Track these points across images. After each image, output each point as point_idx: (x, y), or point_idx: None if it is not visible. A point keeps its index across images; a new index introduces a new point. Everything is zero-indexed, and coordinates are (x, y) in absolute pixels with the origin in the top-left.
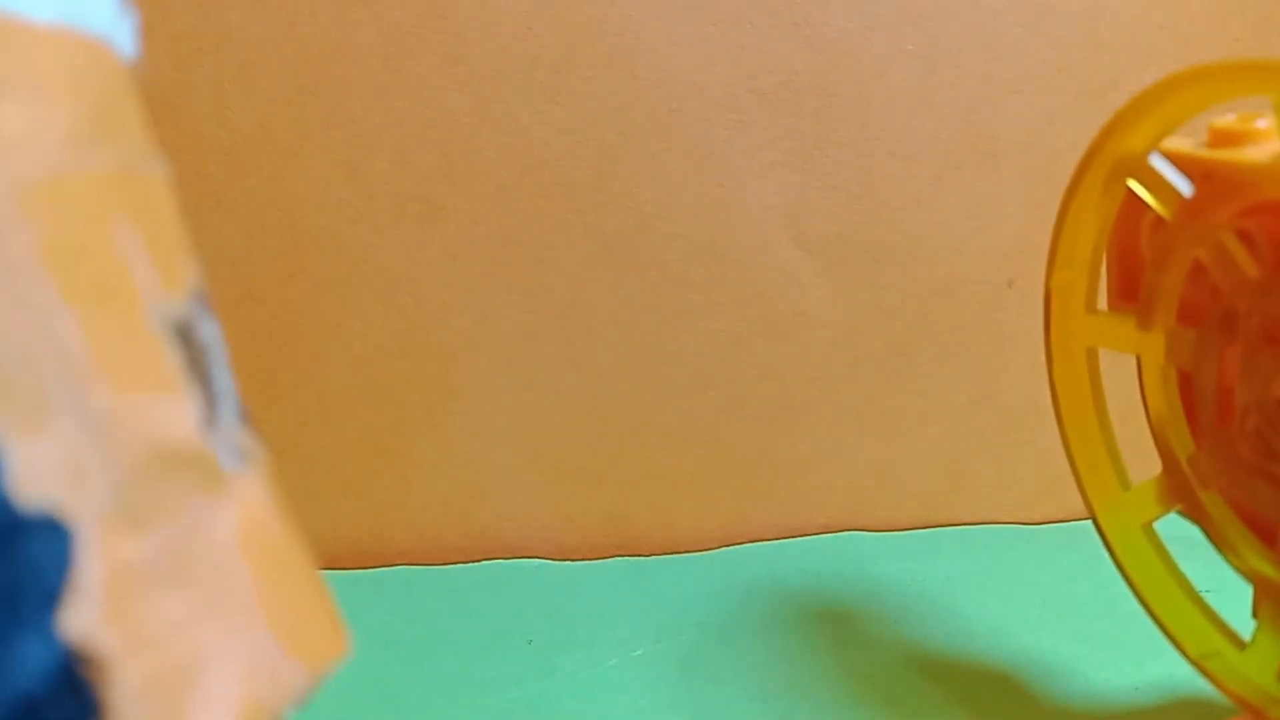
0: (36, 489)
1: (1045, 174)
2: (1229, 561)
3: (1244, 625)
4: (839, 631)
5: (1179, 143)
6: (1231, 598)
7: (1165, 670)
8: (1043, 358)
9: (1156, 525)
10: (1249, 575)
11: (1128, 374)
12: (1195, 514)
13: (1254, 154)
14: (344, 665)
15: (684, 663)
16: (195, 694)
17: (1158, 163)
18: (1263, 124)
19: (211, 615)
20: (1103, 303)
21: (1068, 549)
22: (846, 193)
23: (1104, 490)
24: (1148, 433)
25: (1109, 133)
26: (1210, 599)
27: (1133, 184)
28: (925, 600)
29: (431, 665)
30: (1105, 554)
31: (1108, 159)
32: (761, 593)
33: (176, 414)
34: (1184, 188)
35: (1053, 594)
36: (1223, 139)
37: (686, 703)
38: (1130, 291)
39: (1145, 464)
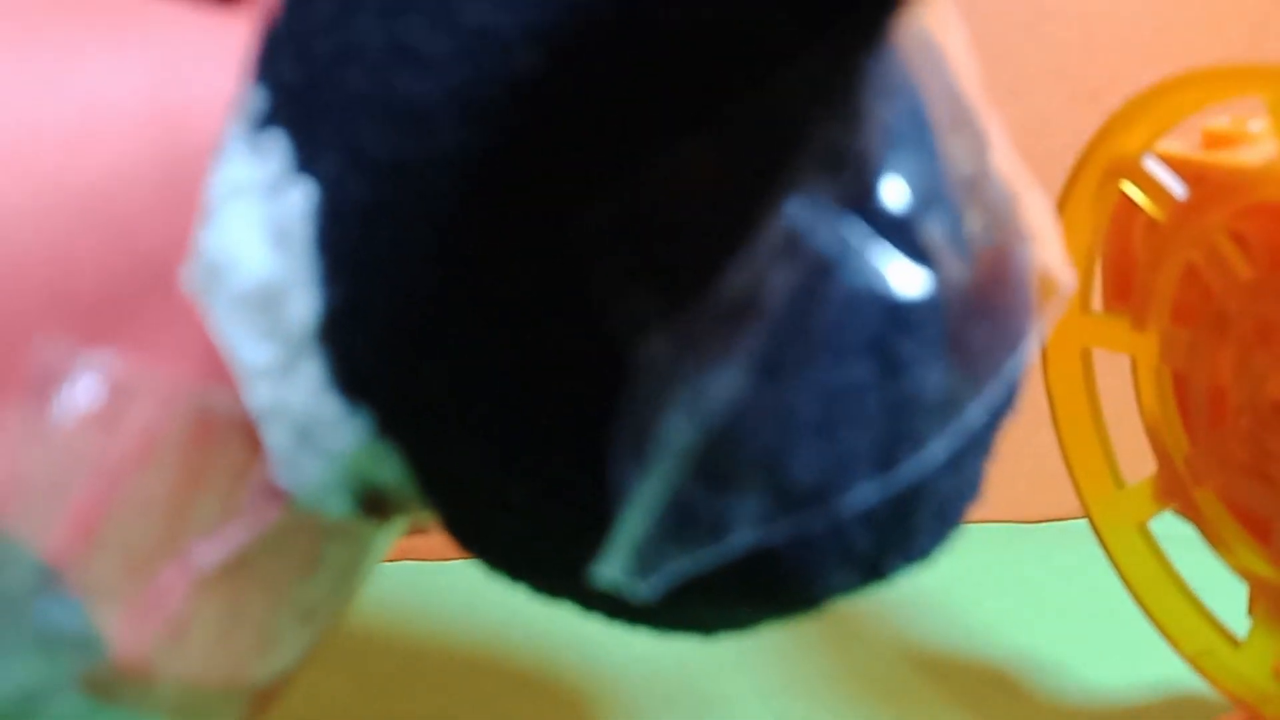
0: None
1: (1041, 176)
2: (1224, 560)
3: (1239, 623)
4: (836, 628)
5: (1173, 145)
6: (1227, 596)
7: (1160, 668)
8: (1038, 358)
9: (1151, 524)
10: (1244, 574)
11: (1123, 373)
12: (1190, 513)
13: (1247, 156)
14: (345, 661)
15: (683, 657)
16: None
17: (1152, 165)
18: (1256, 127)
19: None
20: (1097, 303)
21: (1063, 547)
22: None
23: (1099, 489)
24: (1142, 432)
25: (1103, 135)
26: (1205, 597)
27: (1127, 186)
28: (922, 597)
29: (433, 660)
30: (1100, 552)
31: (1102, 161)
32: None
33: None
34: (1177, 190)
35: (1048, 591)
36: (1216, 142)
37: (685, 697)
38: (1124, 292)
39: (1140, 463)
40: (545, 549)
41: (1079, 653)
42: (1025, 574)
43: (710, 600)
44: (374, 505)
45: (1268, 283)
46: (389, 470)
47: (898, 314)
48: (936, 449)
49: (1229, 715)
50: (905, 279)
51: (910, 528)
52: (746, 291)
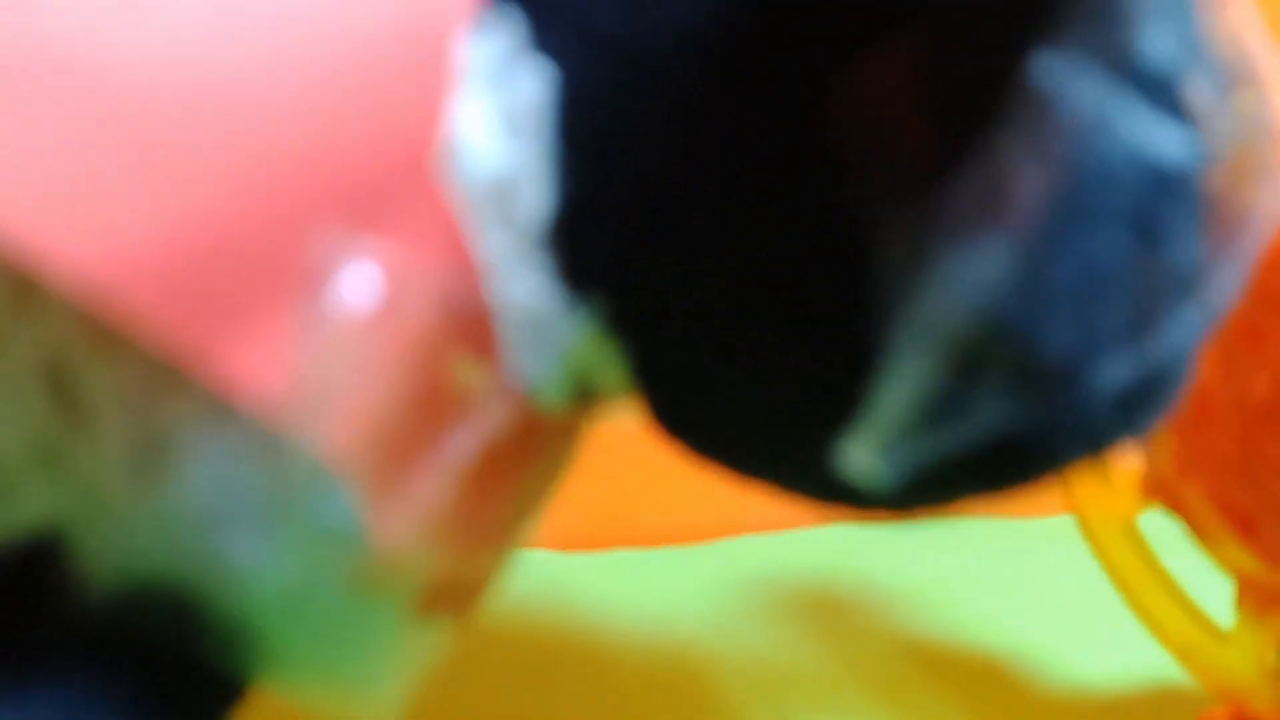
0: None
1: None
2: (1211, 556)
3: (1225, 618)
4: (833, 623)
5: None
6: (1213, 591)
7: (1147, 662)
8: None
9: (1138, 520)
10: (1230, 569)
11: None
12: (1177, 509)
13: None
14: None
15: (682, 654)
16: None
17: None
18: None
19: None
20: None
21: (1053, 542)
22: None
23: (1086, 485)
24: None
25: None
26: (1192, 592)
27: None
28: (917, 592)
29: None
30: (1088, 547)
31: None
32: (758, 585)
33: None
34: None
35: (1037, 586)
36: None
37: (684, 694)
38: None
39: (1128, 460)
40: (775, 437)
41: (1067, 647)
42: (1014, 569)
43: (940, 480)
44: (585, 398)
45: (1254, 284)
46: (607, 362)
47: (1159, 181)
48: (1191, 324)
49: (1215, 709)
50: (1168, 143)
51: (1148, 404)
52: (1001, 161)
